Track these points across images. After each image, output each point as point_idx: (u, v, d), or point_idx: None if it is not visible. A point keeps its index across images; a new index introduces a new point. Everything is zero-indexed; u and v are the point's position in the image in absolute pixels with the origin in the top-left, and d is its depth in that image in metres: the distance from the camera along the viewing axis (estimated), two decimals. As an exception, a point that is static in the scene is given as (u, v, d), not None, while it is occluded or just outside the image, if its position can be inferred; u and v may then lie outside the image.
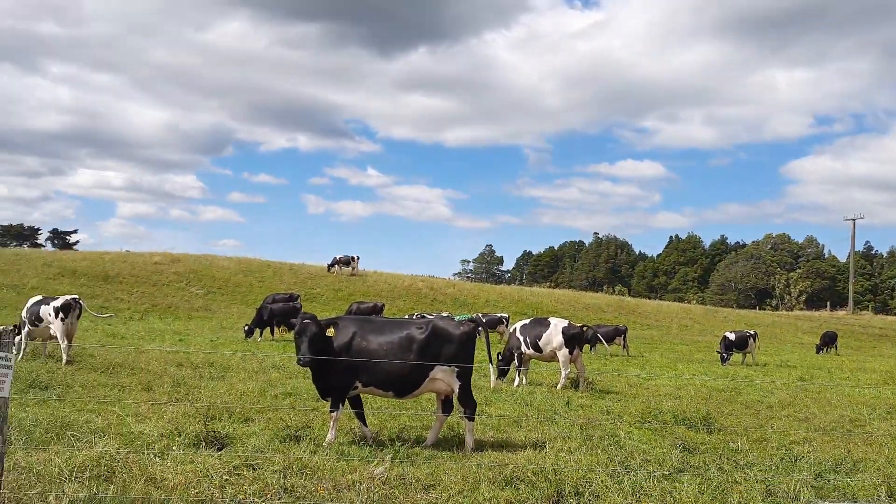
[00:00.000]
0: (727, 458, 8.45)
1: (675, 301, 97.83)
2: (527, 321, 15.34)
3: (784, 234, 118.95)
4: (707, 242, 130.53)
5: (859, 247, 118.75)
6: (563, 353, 14.34)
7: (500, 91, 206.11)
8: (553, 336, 14.45)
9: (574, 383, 14.68)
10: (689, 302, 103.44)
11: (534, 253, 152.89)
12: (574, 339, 14.34)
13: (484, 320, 30.51)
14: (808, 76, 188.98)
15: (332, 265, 46.83)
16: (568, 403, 12.09)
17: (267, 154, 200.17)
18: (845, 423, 11.94)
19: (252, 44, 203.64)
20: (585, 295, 57.97)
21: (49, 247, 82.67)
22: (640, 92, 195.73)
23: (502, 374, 15.04)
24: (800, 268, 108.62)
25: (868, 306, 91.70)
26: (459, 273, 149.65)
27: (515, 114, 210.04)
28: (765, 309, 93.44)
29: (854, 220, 77.98)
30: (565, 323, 14.63)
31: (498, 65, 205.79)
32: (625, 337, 28.41)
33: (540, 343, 14.57)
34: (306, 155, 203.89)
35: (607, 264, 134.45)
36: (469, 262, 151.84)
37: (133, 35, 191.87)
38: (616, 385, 15.64)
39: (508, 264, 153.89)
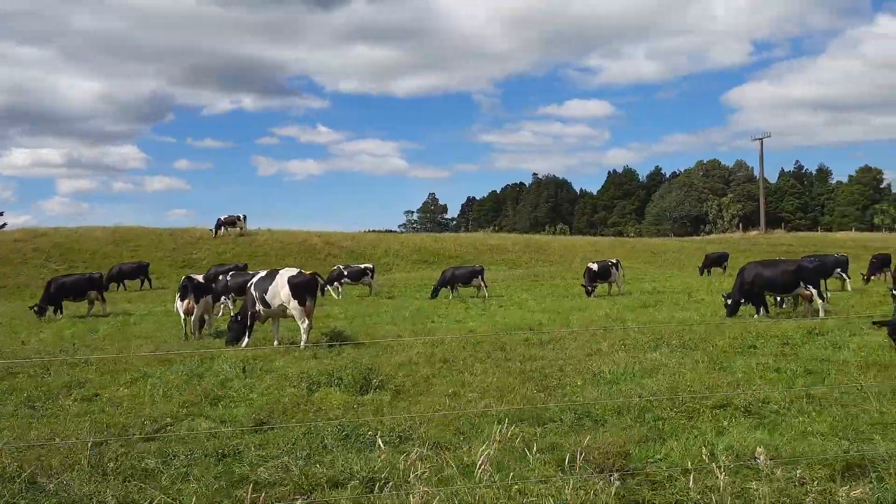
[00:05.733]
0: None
1: (613, 235, 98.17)
2: (263, 274, 13.96)
3: (715, 160, 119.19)
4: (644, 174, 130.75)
5: (790, 167, 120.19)
6: (293, 306, 13.04)
7: (445, 37, 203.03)
8: (280, 288, 13.13)
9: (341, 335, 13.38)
10: (627, 235, 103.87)
11: (477, 198, 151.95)
12: (301, 288, 13.02)
13: (346, 272, 29.29)
14: (744, 2, 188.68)
15: (217, 227, 44.95)
16: (244, 370, 10.35)
17: (210, 117, 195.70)
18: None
19: (181, 2, 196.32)
20: (492, 236, 57.04)
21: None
22: (581, 29, 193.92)
23: (235, 339, 13.60)
24: (731, 192, 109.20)
25: (782, 225, 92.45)
26: (405, 224, 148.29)
27: (463, 60, 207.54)
28: (700, 235, 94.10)
29: (761, 139, 77.99)
30: (293, 272, 13.30)
31: (440, 10, 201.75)
32: (482, 277, 27.39)
33: (267, 297, 13.24)
34: (252, 115, 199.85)
35: (548, 204, 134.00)
36: (413, 212, 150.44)
37: (55, 3, 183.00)
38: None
39: (454, 212, 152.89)
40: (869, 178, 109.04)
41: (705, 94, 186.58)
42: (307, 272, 13.46)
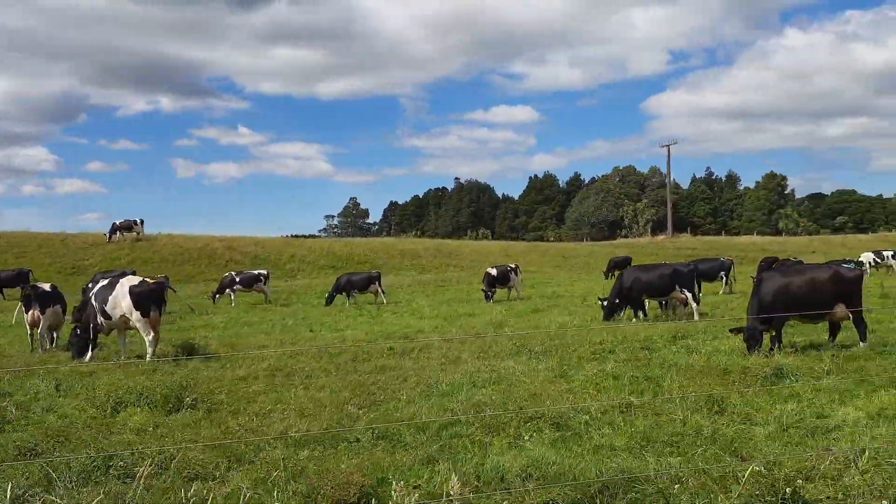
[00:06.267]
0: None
1: (535, 240, 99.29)
2: (104, 282, 12.92)
3: (631, 166, 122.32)
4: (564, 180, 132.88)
5: (700, 173, 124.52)
6: (136, 318, 12.10)
7: (370, 40, 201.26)
8: (120, 298, 12.16)
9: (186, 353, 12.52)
10: (547, 239, 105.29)
11: (400, 203, 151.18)
12: (144, 297, 12.09)
13: (238, 279, 28.21)
14: (663, 13, 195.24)
15: (112, 232, 42.82)
16: (58, 388, 9.44)
17: (125, 118, 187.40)
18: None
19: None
20: (404, 241, 56.64)
21: None
22: (507, 36, 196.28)
23: (78, 354, 12.55)
24: (646, 197, 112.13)
25: (688, 229, 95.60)
26: (325, 229, 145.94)
27: (388, 63, 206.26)
28: (616, 239, 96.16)
29: (668, 146, 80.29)
30: (135, 280, 12.36)
31: (365, 13, 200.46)
32: (379, 282, 26.80)
33: (108, 308, 12.24)
34: (169, 116, 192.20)
35: (470, 209, 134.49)
36: (334, 217, 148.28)
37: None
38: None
39: (377, 216, 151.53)
40: (774, 185, 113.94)
41: (626, 101, 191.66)
42: (151, 280, 12.54)
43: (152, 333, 12.17)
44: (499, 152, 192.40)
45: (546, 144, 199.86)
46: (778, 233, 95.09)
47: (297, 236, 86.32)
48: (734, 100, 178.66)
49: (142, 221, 43.53)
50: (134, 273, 29.77)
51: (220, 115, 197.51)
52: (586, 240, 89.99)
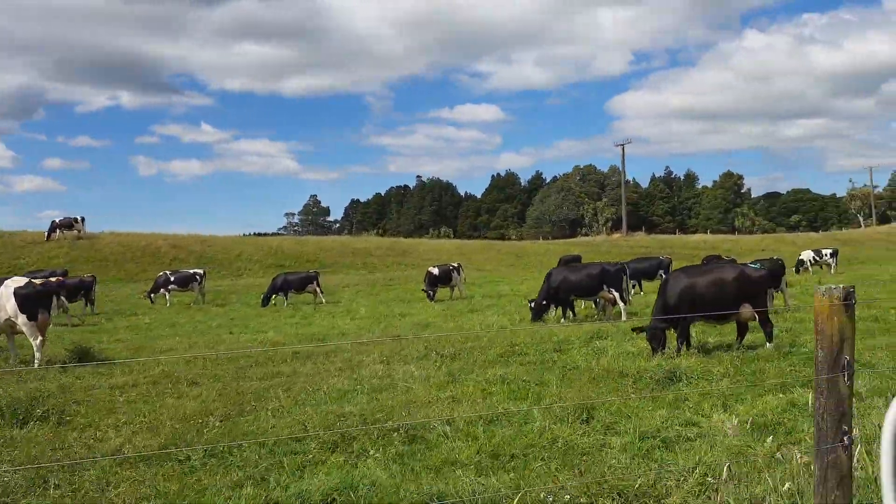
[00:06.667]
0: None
1: (497, 238, 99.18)
2: (-7, 284, 12.18)
3: (591, 165, 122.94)
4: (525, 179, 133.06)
5: (660, 172, 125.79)
6: (22, 321, 11.40)
7: (336, 37, 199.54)
8: (5, 301, 11.45)
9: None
10: (509, 238, 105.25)
11: (362, 200, 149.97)
12: (31, 300, 11.40)
13: (173, 278, 27.40)
14: (627, 14, 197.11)
15: (51, 230, 41.46)
16: None
17: (85, 114, 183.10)
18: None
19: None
20: (357, 239, 56.03)
21: None
22: (473, 35, 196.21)
23: None
24: (606, 196, 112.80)
25: (643, 228, 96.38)
26: (285, 227, 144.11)
27: (354, 61, 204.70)
28: (576, 237, 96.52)
29: (623, 145, 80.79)
30: (21, 282, 11.64)
31: (330, 10, 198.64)
32: (317, 282, 26.21)
33: (-9, 311, 11.55)
34: (131, 113, 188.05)
35: (432, 207, 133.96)
36: (294, 214, 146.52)
37: None
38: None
39: (337, 214, 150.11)
40: (731, 184, 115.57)
41: (591, 101, 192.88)
42: (38, 281, 11.84)
43: (40, 337, 11.48)
44: (465, 151, 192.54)
45: (513, 143, 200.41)
46: (733, 231, 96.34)
47: (258, 234, 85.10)
48: (695, 101, 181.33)
49: (83, 219, 42.24)
50: (65, 273, 28.82)
51: (182, 112, 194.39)
52: (541, 238, 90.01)
